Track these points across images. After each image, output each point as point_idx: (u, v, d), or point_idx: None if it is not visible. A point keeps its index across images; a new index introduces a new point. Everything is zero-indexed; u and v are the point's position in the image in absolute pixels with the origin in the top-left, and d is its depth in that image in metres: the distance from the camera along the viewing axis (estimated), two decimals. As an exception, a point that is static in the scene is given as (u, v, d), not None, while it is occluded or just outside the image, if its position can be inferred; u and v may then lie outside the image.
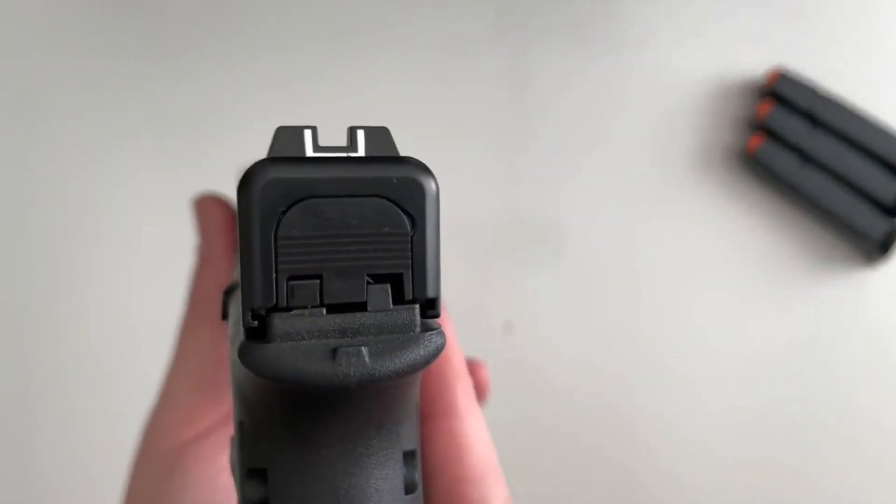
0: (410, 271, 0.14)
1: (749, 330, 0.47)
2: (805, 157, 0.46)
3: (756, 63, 0.48)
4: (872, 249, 0.47)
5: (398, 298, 0.14)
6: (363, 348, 0.13)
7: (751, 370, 0.47)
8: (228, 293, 0.17)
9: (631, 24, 0.49)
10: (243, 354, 0.13)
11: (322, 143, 0.14)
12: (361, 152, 0.14)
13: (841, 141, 0.46)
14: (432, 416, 0.19)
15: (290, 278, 0.13)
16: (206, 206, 0.24)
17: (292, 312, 0.13)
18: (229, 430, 0.21)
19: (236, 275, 0.15)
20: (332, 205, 0.13)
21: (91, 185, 0.47)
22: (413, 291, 0.14)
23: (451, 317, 0.21)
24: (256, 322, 0.13)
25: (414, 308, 0.14)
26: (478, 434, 0.19)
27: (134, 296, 0.47)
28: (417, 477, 0.16)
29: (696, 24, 0.49)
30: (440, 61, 0.48)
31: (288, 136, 0.13)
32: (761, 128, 0.47)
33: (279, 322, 0.13)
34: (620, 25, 0.49)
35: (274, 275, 0.13)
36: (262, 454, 0.15)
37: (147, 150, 0.48)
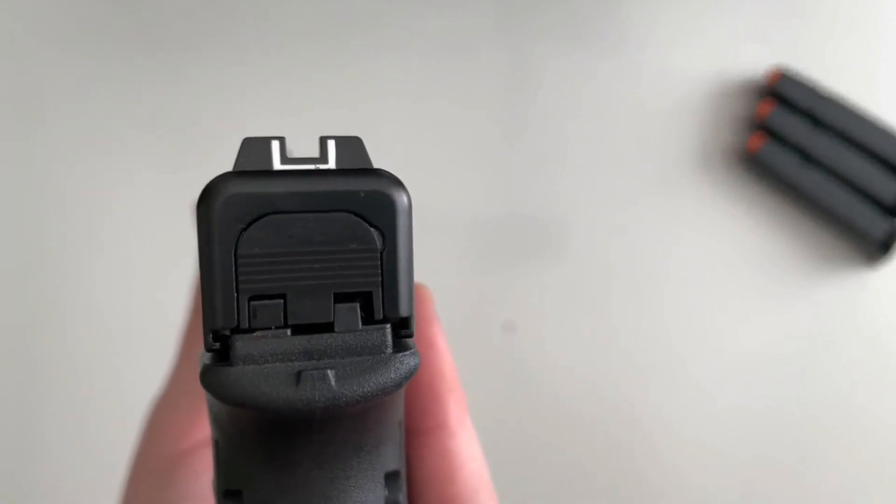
0: (381, 289, 0.13)
1: (749, 329, 0.47)
2: (806, 156, 0.46)
3: (756, 63, 0.48)
4: (873, 249, 0.47)
5: (368, 318, 0.13)
6: (329, 371, 0.13)
7: (751, 370, 0.47)
8: None
9: (631, 23, 0.49)
10: (204, 378, 0.12)
11: (294, 154, 0.13)
12: (332, 164, 0.13)
13: (842, 141, 0.46)
14: (422, 431, 0.18)
15: (252, 298, 0.12)
16: None
17: (255, 334, 0.13)
18: None
19: None
20: (295, 221, 0.12)
21: (91, 185, 0.47)
22: (384, 310, 0.13)
23: (442, 325, 0.20)
24: (218, 344, 0.13)
25: (385, 328, 0.13)
26: (470, 450, 0.19)
27: (134, 296, 0.47)
28: (401, 498, 0.15)
29: (697, 24, 0.49)
30: (440, 60, 0.48)
31: (254, 148, 0.13)
32: (762, 128, 0.47)
33: (241, 344, 0.12)
34: (620, 25, 0.49)
35: (235, 294, 0.12)
36: (236, 475, 0.14)
37: (147, 150, 0.48)
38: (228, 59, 0.48)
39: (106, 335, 0.47)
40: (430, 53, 0.48)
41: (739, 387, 0.47)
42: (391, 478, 0.15)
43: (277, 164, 0.13)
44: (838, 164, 0.46)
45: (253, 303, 0.13)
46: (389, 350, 0.13)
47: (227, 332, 0.13)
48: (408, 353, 0.13)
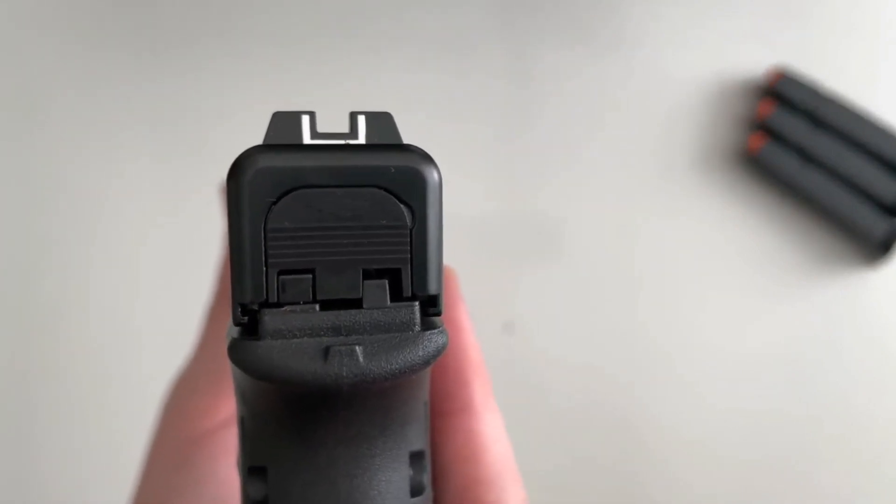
0: (410, 266, 0.13)
1: (749, 330, 0.47)
2: (806, 157, 0.46)
3: (756, 63, 0.48)
4: (873, 249, 0.47)
5: (397, 295, 0.13)
6: (357, 347, 0.12)
7: (751, 370, 0.47)
8: None
9: (631, 23, 0.49)
10: (232, 351, 0.12)
11: (323, 129, 0.13)
12: (362, 139, 0.13)
13: (842, 141, 0.46)
14: (447, 413, 0.18)
15: (281, 272, 0.12)
16: None
17: (283, 308, 0.13)
18: None
19: None
20: (325, 195, 0.12)
21: (92, 181, 0.47)
22: (412, 288, 0.13)
23: (467, 308, 0.20)
24: (247, 318, 0.13)
25: (413, 305, 0.13)
26: (495, 433, 0.18)
27: (135, 293, 0.47)
28: (426, 479, 0.15)
29: (697, 24, 0.49)
30: (440, 58, 0.48)
31: (285, 122, 0.13)
32: (762, 128, 0.47)
33: (269, 318, 0.12)
34: (621, 24, 0.49)
35: (264, 268, 0.12)
36: (262, 452, 0.14)
37: (148, 146, 0.48)
38: (229, 57, 0.48)
39: (106, 330, 0.46)
40: (430, 53, 0.48)
41: (739, 386, 0.47)
42: (416, 458, 0.15)
43: (307, 139, 0.13)
44: (838, 165, 0.46)
45: (282, 277, 0.12)
46: (418, 328, 0.13)
47: (256, 307, 0.12)
48: (436, 331, 0.13)
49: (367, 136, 0.13)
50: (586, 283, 0.47)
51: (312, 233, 0.13)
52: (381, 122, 0.13)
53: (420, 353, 0.13)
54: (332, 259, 0.13)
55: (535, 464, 0.46)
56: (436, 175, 0.13)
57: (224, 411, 0.21)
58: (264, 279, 0.12)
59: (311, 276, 0.13)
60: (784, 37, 0.48)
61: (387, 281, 0.13)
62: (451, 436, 0.18)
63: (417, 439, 0.15)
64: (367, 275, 0.13)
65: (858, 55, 0.48)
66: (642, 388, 0.47)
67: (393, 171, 0.13)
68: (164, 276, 0.46)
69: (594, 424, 0.46)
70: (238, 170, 0.12)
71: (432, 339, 0.13)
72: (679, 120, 0.48)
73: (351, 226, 0.13)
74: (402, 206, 0.13)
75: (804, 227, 0.48)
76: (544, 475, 0.46)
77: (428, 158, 0.13)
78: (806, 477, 0.46)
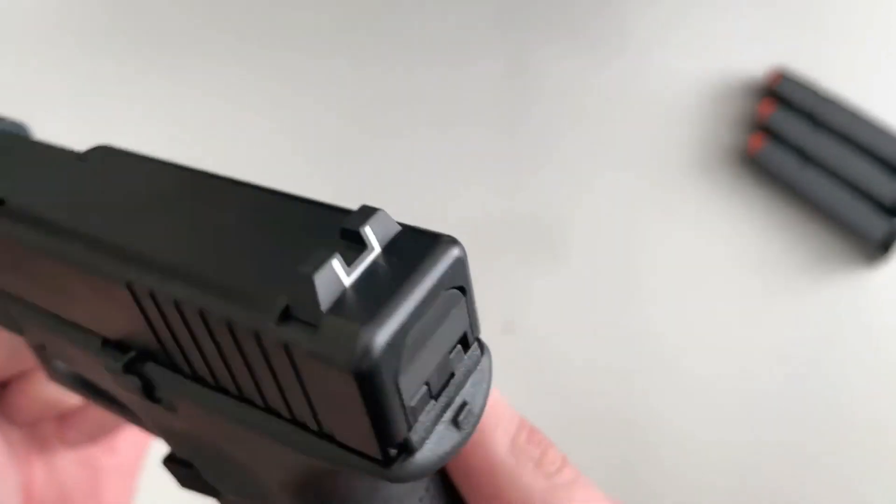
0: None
1: (749, 329, 0.47)
2: (806, 157, 0.46)
3: (756, 63, 0.48)
4: (872, 249, 0.47)
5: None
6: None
7: (751, 370, 0.47)
8: None
9: (632, 24, 0.49)
10: (395, 480, 0.14)
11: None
12: (376, 247, 0.13)
13: (842, 141, 0.46)
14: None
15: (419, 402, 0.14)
16: None
17: (419, 421, 0.14)
18: None
19: None
20: (421, 324, 0.13)
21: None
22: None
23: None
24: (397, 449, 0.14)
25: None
26: None
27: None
28: None
29: (698, 25, 0.49)
30: (442, 61, 0.48)
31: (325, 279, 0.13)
32: (762, 128, 0.47)
33: (415, 436, 0.14)
34: (622, 26, 0.49)
35: (403, 410, 0.13)
36: None
37: (147, 143, 0.48)
38: (228, 56, 0.48)
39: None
40: (432, 53, 0.48)
41: (739, 385, 0.47)
42: None
43: (347, 282, 0.13)
44: (838, 165, 0.46)
45: (409, 405, 0.13)
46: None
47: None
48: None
49: (379, 240, 0.13)
50: (586, 282, 0.47)
51: (423, 356, 0.14)
52: (380, 221, 0.14)
53: None
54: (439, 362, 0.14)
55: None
56: (458, 251, 0.14)
57: None
58: (404, 415, 0.13)
59: (426, 386, 0.14)
60: (784, 37, 0.48)
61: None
62: None
63: None
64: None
65: (858, 55, 0.48)
66: (643, 386, 0.47)
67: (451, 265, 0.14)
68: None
69: (595, 423, 0.46)
70: (359, 362, 0.12)
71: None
72: (679, 120, 0.48)
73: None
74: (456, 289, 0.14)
75: (804, 227, 0.48)
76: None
77: (455, 242, 0.14)
78: (805, 475, 0.46)
